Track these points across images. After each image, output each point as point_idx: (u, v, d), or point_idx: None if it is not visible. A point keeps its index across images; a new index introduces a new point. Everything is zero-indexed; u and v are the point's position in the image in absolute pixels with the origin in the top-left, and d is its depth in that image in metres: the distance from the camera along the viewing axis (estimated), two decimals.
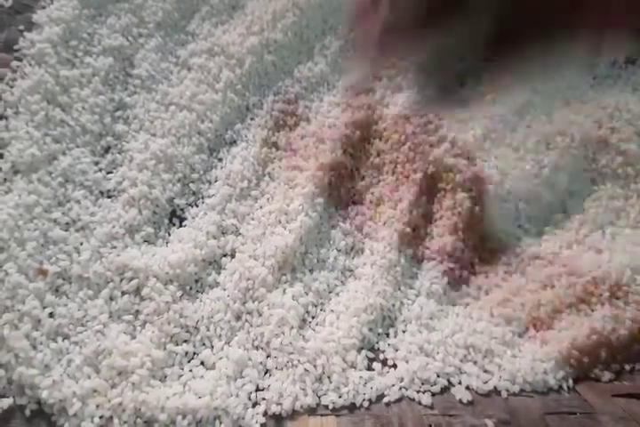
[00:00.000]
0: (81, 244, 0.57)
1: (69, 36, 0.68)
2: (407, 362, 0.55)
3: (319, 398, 0.51)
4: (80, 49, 0.68)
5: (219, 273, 0.58)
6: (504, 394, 0.54)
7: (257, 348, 0.54)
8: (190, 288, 0.57)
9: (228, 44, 0.72)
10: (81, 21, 0.69)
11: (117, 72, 0.68)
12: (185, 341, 0.53)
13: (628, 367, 0.57)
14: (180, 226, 0.61)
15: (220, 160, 0.66)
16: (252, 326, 0.55)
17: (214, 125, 0.68)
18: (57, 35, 0.66)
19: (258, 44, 0.72)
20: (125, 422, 0.47)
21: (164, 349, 0.52)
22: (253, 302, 0.56)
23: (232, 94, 0.69)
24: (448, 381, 0.54)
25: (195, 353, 0.53)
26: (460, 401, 0.53)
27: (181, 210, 0.63)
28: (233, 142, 0.68)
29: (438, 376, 0.54)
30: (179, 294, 0.55)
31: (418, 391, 0.53)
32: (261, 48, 0.72)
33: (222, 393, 0.50)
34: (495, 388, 0.54)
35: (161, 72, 0.70)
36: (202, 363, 0.52)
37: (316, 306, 0.58)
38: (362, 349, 0.55)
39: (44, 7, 0.69)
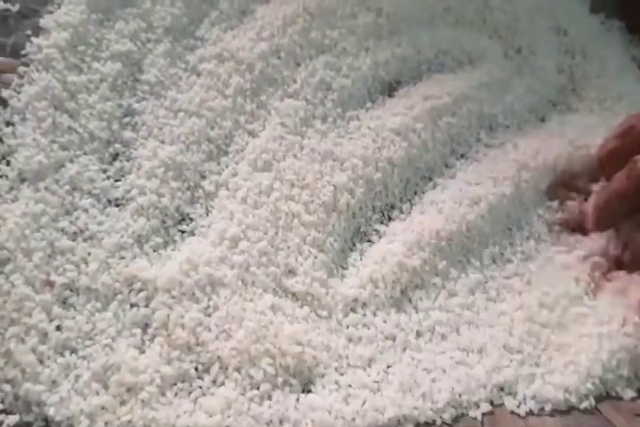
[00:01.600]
0: (89, 254, 0.55)
1: (77, 42, 0.66)
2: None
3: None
4: (88, 54, 0.66)
5: None
6: (523, 413, 0.53)
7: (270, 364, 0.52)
8: (200, 301, 0.55)
9: (238, 49, 0.70)
10: (89, 26, 0.67)
11: (125, 78, 0.67)
12: (195, 356, 0.52)
13: None
14: (191, 235, 0.60)
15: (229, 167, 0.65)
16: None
17: (224, 132, 0.66)
18: (64, 40, 0.65)
19: (268, 50, 0.71)
20: None
21: (174, 364, 0.51)
22: None
23: (242, 100, 0.68)
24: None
25: (205, 369, 0.52)
26: (479, 420, 0.52)
27: (191, 219, 0.61)
28: (243, 150, 0.66)
29: (460, 396, 0.53)
30: (188, 306, 0.54)
31: None
32: (271, 53, 0.71)
33: (234, 411, 0.48)
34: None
35: (170, 78, 0.68)
36: (213, 380, 0.51)
37: None
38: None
39: (51, 12, 0.68)
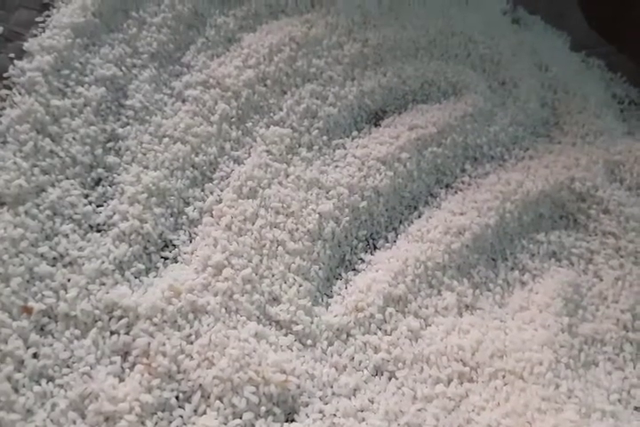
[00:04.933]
0: (68, 280, 0.54)
1: (61, 65, 0.66)
2: None
3: None
4: (72, 78, 0.66)
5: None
6: None
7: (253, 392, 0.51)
8: (182, 328, 0.54)
9: (224, 76, 0.70)
10: (73, 50, 0.67)
11: (110, 103, 0.66)
12: (177, 384, 0.51)
13: None
14: (174, 262, 0.59)
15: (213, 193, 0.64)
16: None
17: (209, 158, 0.66)
18: (48, 63, 0.65)
19: (254, 77, 0.71)
20: None
21: (154, 393, 0.49)
22: None
23: (228, 127, 0.68)
24: None
25: (187, 398, 0.50)
26: None
27: (174, 245, 0.60)
28: (228, 177, 0.65)
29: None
30: (170, 334, 0.53)
31: None
32: (258, 81, 0.71)
33: None
34: None
35: (155, 103, 0.68)
36: (194, 409, 0.50)
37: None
38: None
39: (35, 35, 0.67)
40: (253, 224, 0.62)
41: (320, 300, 0.60)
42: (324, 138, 0.70)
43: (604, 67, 0.90)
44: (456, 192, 0.71)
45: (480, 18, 0.86)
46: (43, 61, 0.65)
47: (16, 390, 0.47)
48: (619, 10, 0.90)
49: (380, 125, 0.74)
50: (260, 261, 0.60)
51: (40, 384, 0.48)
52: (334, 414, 0.52)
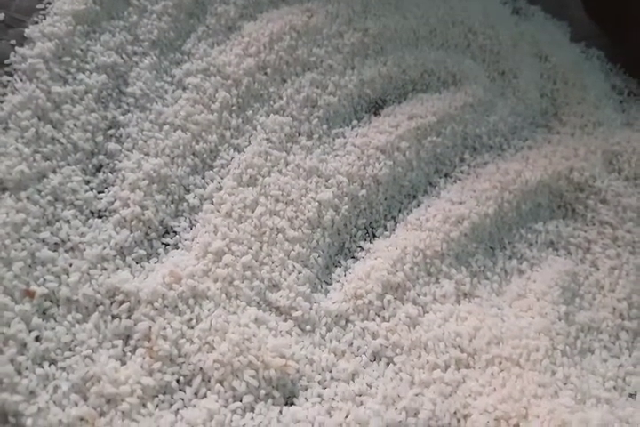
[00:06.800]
0: (70, 265, 0.55)
1: (62, 52, 0.66)
2: None
3: None
4: (73, 65, 0.66)
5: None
6: None
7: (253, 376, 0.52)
8: (183, 313, 0.54)
9: (225, 64, 0.70)
10: (74, 37, 0.67)
11: (111, 90, 0.66)
12: (178, 367, 0.51)
13: None
14: (174, 248, 0.60)
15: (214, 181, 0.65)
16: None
17: (209, 146, 0.66)
18: (49, 50, 0.65)
19: (254, 66, 0.71)
20: None
21: (156, 376, 0.50)
22: None
23: (228, 115, 0.68)
24: None
25: (187, 381, 0.51)
26: None
27: (174, 232, 0.61)
28: (228, 164, 0.66)
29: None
30: (171, 318, 0.53)
31: None
32: (258, 69, 0.71)
33: (216, 423, 0.48)
34: None
35: (155, 91, 0.68)
36: (195, 392, 0.50)
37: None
38: None
39: (36, 22, 0.67)
40: (253, 212, 0.62)
41: (319, 287, 0.61)
42: (324, 127, 0.70)
43: (604, 58, 0.91)
44: (455, 181, 0.72)
45: (480, 8, 0.86)
46: (44, 48, 0.65)
47: (19, 373, 0.47)
48: (618, 1, 0.90)
49: (379, 115, 0.74)
50: (260, 248, 0.60)
51: (43, 367, 0.49)
52: (333, 398, 0.52)
